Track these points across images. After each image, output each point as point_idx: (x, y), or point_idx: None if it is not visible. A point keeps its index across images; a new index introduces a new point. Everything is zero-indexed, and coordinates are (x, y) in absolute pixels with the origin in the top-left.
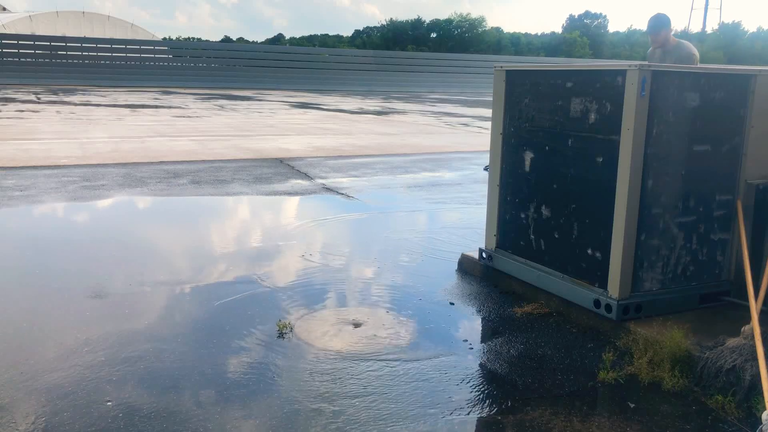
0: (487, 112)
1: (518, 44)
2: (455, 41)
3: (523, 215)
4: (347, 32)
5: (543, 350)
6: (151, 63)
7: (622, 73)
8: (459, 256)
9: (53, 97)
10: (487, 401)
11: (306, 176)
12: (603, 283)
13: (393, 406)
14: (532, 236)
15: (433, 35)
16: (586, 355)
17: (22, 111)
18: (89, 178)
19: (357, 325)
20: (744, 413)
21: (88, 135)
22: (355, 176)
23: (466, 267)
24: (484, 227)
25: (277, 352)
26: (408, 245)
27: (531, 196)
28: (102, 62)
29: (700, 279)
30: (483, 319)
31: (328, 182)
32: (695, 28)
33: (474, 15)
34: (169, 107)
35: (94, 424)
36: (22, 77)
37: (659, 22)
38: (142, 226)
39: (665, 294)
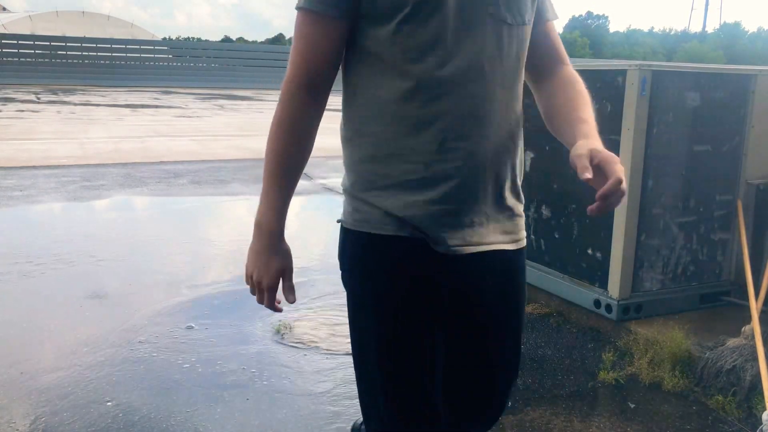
0: None
1: None
2: None
3: None
4: None
5: (543, 350)
6: (151, 63)
7: (622, 73)
8: None
9: (53, 97)
10: None
11: (306, 176)
12: (603, 283)
13: None
14: (532, 236)
15: None
16: (587, 356)
17: (22, 111)
18: (89, 178)
19: None
20: (744, 413)
21: (88, 135)
22: None
23: None
24: None
25: (276, 351)
26: None
27: (531, 196)
28: (102, 62)
29: (700, 279)
30: None
31: (328, 182)
32: (695, 28)
33: None
34: (169, 107)
35: (93, 424)
36: (22, 77)
37: None
38: (142, 226)
39: (665, 294)
